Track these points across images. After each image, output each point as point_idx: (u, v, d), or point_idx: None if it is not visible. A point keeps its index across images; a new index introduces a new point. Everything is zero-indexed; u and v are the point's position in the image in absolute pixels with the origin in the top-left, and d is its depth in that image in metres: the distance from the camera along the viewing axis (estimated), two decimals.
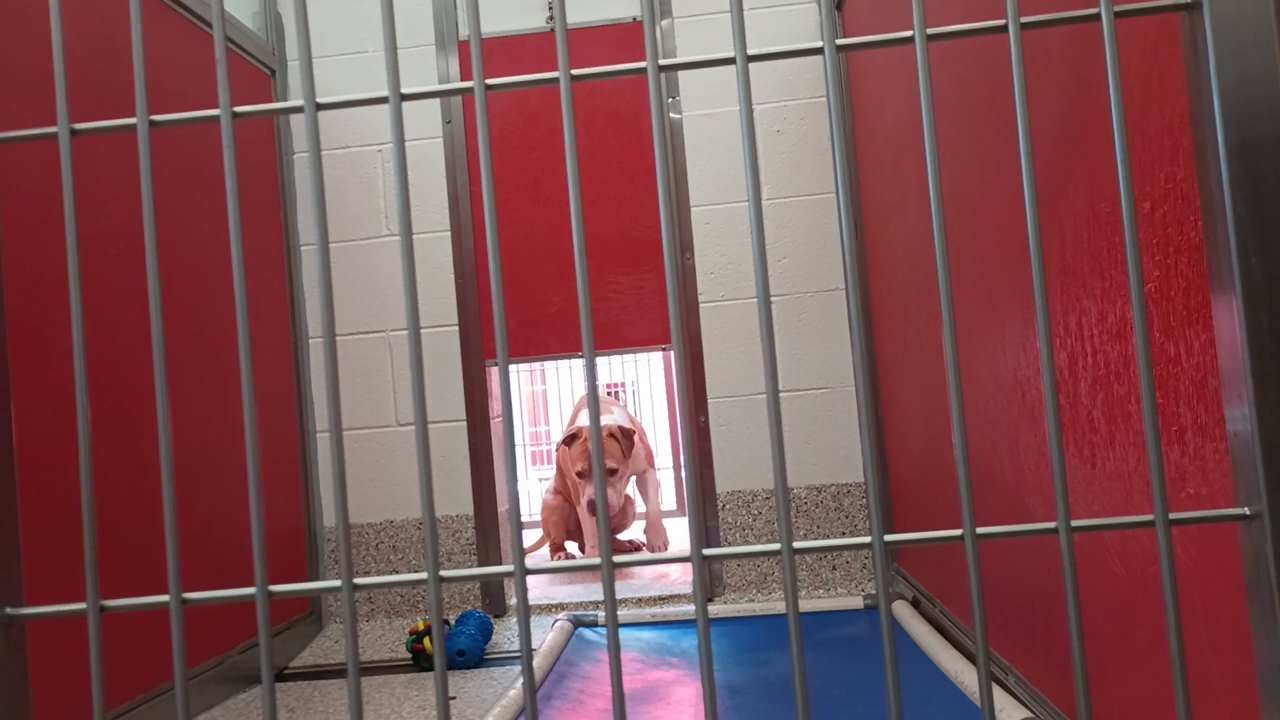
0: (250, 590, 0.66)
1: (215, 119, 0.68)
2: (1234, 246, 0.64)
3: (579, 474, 3.13)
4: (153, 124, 0.69)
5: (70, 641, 1.65)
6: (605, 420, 3.18)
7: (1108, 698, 1.18)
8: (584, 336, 0.66)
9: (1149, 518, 0.60)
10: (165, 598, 0.67)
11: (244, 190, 2.60)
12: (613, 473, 3.12)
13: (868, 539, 0.62)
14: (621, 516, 3.32)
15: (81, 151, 1.86)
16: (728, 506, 2.78)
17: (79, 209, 1.84)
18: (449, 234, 2.87)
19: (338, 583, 0.66)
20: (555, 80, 0.66)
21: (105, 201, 1.91)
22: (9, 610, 0.70)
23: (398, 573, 2.82)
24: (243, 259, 0.67)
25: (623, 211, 2.85)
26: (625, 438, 3.13)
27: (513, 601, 2.83)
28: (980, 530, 0.62)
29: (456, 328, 2.86)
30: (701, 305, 2.81)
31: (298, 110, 0.67)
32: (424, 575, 0.66)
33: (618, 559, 0.65)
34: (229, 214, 0.67)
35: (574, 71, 0.66)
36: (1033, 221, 0.64)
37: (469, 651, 2.25)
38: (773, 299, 2.78)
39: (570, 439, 3.22)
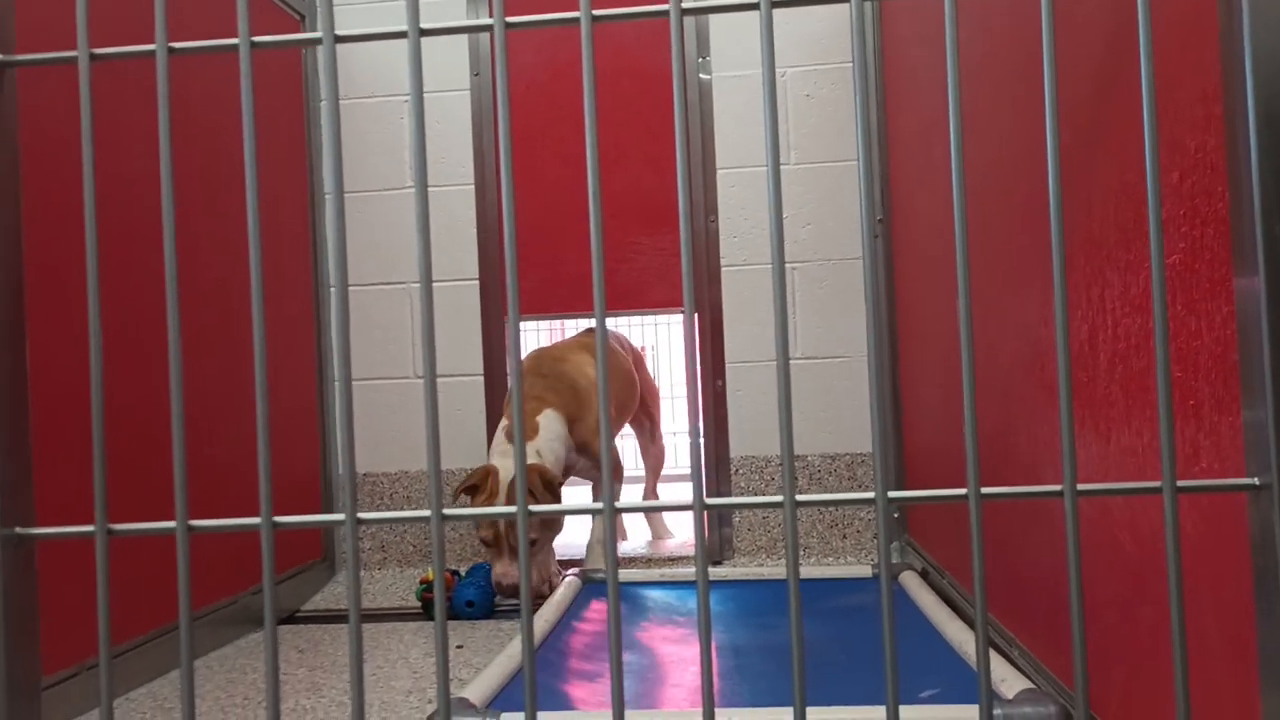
0: (255, 520, 0.67)
1: (234, 48, 0.68)
2: (1259, 216, 0.63)
3: (484, 542, 2.27)
4: (171, 51, 0.69)
5: (83, 572, 1.68)
6: (505, 462, 2.33)
7: (1111, 674, 1.18)
8: (596, 299, 0.66)
9: (1156, 484, 0.59)
10: (172, 524, 0.67)
11: (269, 136, 2.60)
12: (533, 544, 2.29)
13: (871, 495, 0.62)
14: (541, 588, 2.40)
15: (113, 84, 1.86)
16: (740, 471, 2.79)
17: (105, 141, 1.85)
18: (473, 188, 2.87)
19: (342, 516, 0.66)
20: (576, 20, 0.65)
21: (135, 137, 1.92)
22: (18, 530, 0.71)
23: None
24: (256, 192, 0.67)
25: (647, 173, 2.83)
26: (547, 485, 2.27)
27: None
28: (985, 490, 0.62)
29: (477, 282, 2.86)
30: (724, 269, 2.80)
31: (316, 42, 0.67)
32: (428, 513, 0.66)
33: (619, 504, 0.65)
34: (245, 147, 0.67)
35: (595, 12, 0.66)
36: (1054, 192, 0.63)
37: (478, 602, 2.27)
38: (794, 265, 2.77)
39: (472, 489, 2.31)
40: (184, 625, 0.67)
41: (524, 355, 2.62)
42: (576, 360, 2.57)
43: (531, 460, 2.34)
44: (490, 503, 2.25)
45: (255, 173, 0.67)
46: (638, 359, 2.97)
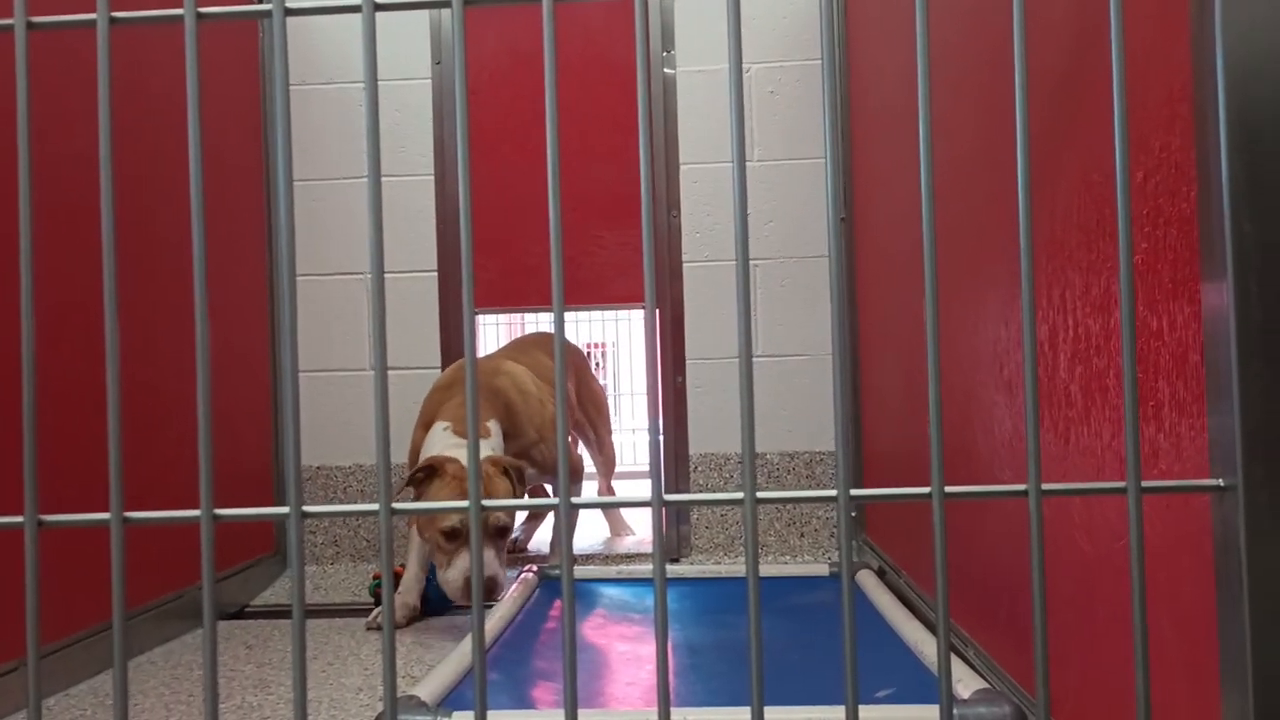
0: (195, 512, 0.64)
1: (179, 19, 0.65)
2: (1228, 213, 0.62)
3: (446, 533, 2.02)
4: (113, 21, 0.66)
5: (21, 566, 1.63)
6: (460, 451, 2.14)
7: (1066, 674, 1.18)
8: (554, 292, 0.64)
9: (1121, 484, 0.59)
10: (106, 515, 0.65)
11: (223, 120, 2.54)
12: (503, 533, 2.11)
13: (833, 492, 0.61)
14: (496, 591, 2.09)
15: (60, 60, 1.81)
16: (699, 468, 2.78)
17: (54, 118, 1.79)
18: (432, 179, 2.83)
19: (285, 509, 0.64)
20: (538, 0, 0.63)
21: (79, 115, 1.86)
22: None
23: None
24: (201, 170, 0.64)
25: (610, 166, 2.81)
26: (516, 474, 2.14)
27: None
28: (949, 489, 0.61)
29: (436, 274, 2.83)
30: (685, 265, 2.79)
31: (265, 14, 0.64)
32: (376, 506, 0.64)
33: (576, 500, 0.63)
34: (189, 124, 0.64)
35: None
36: (1023, 193, 0.62)
37: (435, 599, 2.24)
38: (757, 263, 2.76)
39: (425, 473, 2.08)
40: (117, 619, 0.64)
41: (455, 365, 2.51)
42: (510, 372, 2.43)
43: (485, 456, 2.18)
44: (449, 491, 2.05)
45: (200, 149, 0.64)
46: (580, 363, 2.90)
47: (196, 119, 0.64)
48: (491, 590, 2.03)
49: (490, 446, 2.24)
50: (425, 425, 2.28)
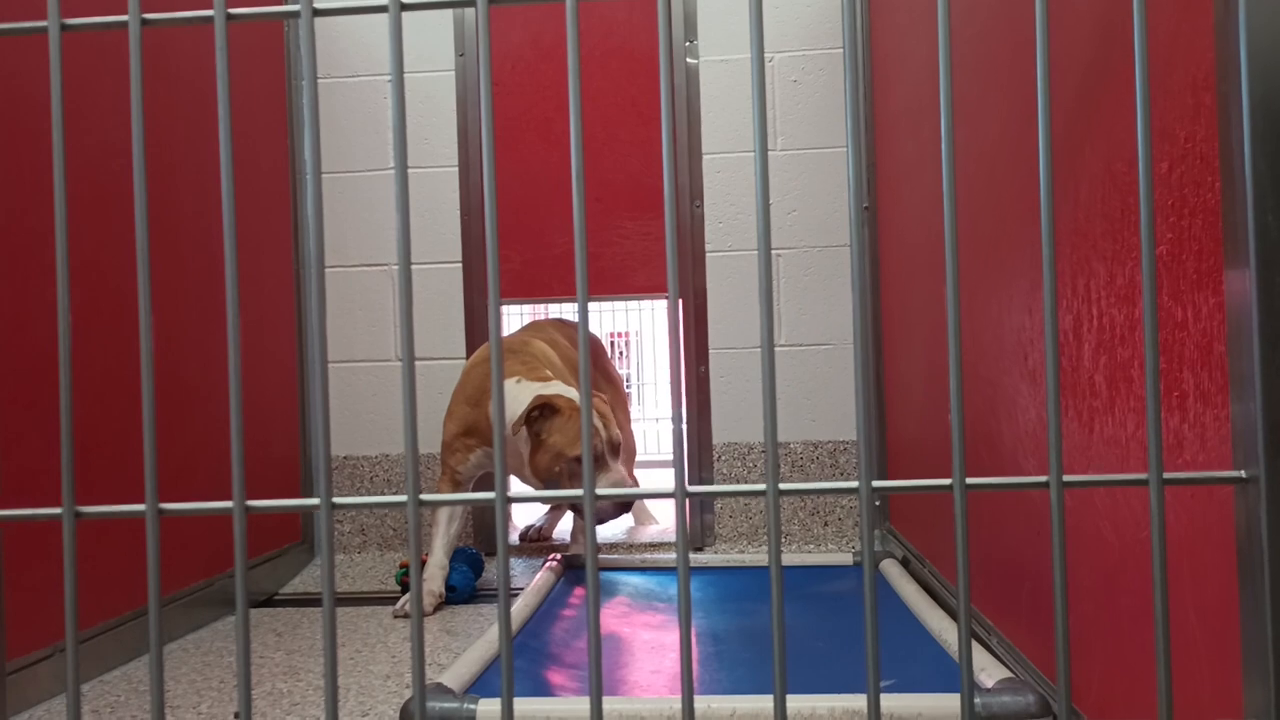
0: (228, 504, 0.66)
1: (209, 20, 0.66)
2: (1251, 205, 0.62)
3: (577, 459, 2.14)
4: (145, 22, 0.67)
5: (58, 554, 1.66)
6: (556, 389, 2.22)
7: (1089, 663, 1.18)
8: (578, 278, 0.64)
9: (1143, 476, 0.59)
10: (141, 506, 0.66)
11: (251, 115, 2.56)
12: (616, 450, 2.24)
13: (855, 484, 0.61)
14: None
15: (89, 57, 1.83)
16: (723, 457, 2.78)
17: (78, 115, 1.82)
18: (456, 170, 2.84)
19: (316, 500, 0.65)
20: None
21: (110, 112, 1.89)
22: None
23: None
24: (231, 166, 0.65)
25: (634, 156, 2.82)
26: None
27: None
28: (970, 481, 0.61)
29: (460, 265, 2.84)
30: (708, 255, 2.79)
31: (294, 15, 0.65)
32: (404, 498, 0.65)
33: (600, 490, 0.64)
34: (219, 121, 0.65)
35: None
36: (1045, 181, 0.62)
37: (460, 587, 2.26)
38: (779, 252, 2.76)
39: (542, 410, 2.16)
40: (153, 608, 0.65)
41: (483, 346, 2.53)
42: (537, 344, 2.47)
43: (572, 393, 2.23)
44: (575, 425, 2.14)
45: (230, 146, 0.65)
46: (597, 349, 2.88)
47: (227, 117, 0.65)
48: (625, 509, 2.33)
49: (567, 388, 2.26)
50: (470, 401, 2.29)
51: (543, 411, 2.16)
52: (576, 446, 2.13)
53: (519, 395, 2.23)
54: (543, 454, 2.17)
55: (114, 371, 1.87)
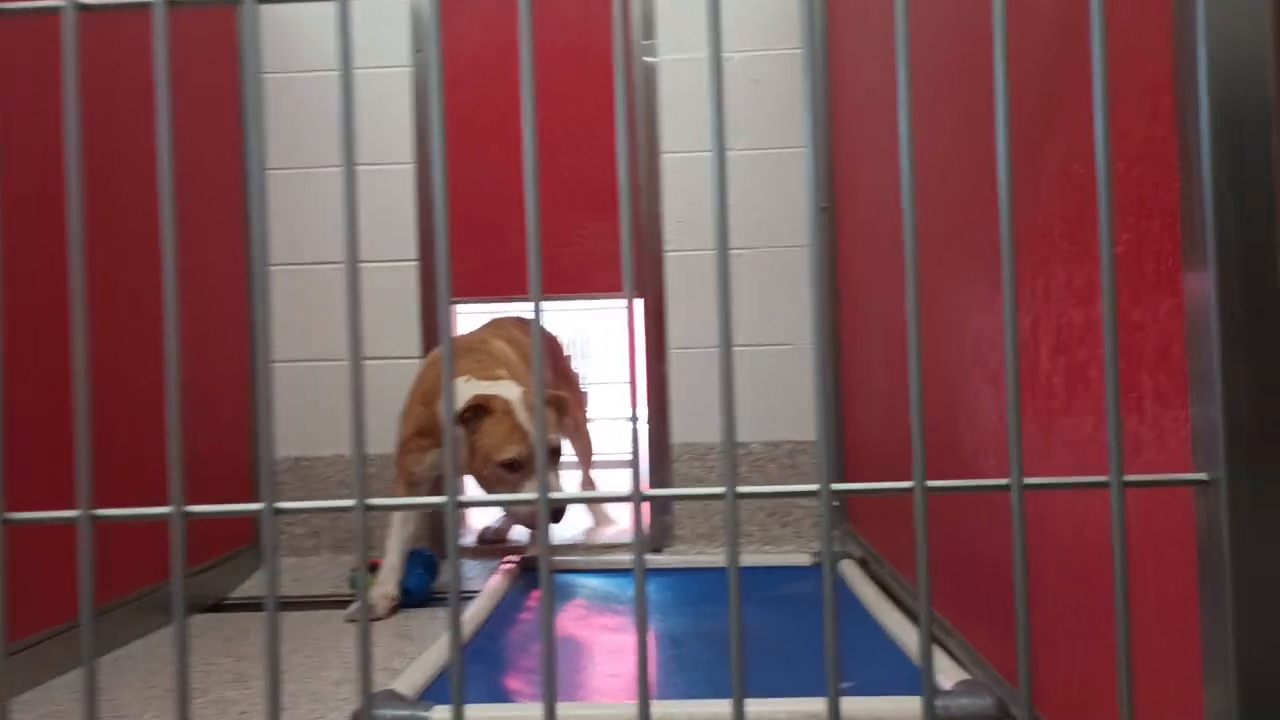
0: (166, 509, 0.63)
1: (148, 6, 0.64)
2: (1210, 206, 0.62)
3: (507, 464, 2.05)
4: (80, 7, 0.64)
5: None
6: (497, 390, 2.14)
7: (1048, 666, 1.18)
8: (531, 275, 0.63)
9: (1104, 478, 0.58)
10: (74, 512, 0.63)
11: (201, 109, 2.51)
12: (556, 455, 2.20)
13: (815, 486, 0.60)
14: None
15: (39, 38, 1.78)
16: (682, 458, 2.77)
17: (17, 100, 1.77)
18: (413, 167, 2.81)
19: (259, 505, 0.63)
20: None
21: (51, 98, 1.84)
22: None
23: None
24: (171, 157, 0.63)
25: (591, 156, 2.80)
26: (556, 404, 2.24)
27: (463, 542, 2.81)
28: (931, 483, 0.60)
29: (416, 263, 2.81)
30: (667, 254, 2.78)
31: (238, 1, 0.63)
32: (351, 502, 0.63)
33: (554, 495, 0.63)
34: (158, 110, 0.63)
35: None
36: (1005, 182, 0.62)
37: (415, 590, 2.22)
38: (740, 252, 2.75)
39: (475, 410, 2.08)
40: (84, 617, 0.63)
41: (437, 349, 2.49)
42: (497, 343, 2.42)
43: (511, 394, 2.14)
44: (505, 426, 2.06)
45: (170, 136, 0.63)
46: (554, 347, 2.82)
47: (167, 108, 0.63)
48: (558, 516, 2.14)
49: (512, 388, 2.18)
50: (424, 400, 2.24)
51: (475, 412, 2.09)
52: (503, 450, 2.05)
53: (465, 394, 2.16)
54: (474, 456, 2.10)
55: (52, 370, 1.82)
